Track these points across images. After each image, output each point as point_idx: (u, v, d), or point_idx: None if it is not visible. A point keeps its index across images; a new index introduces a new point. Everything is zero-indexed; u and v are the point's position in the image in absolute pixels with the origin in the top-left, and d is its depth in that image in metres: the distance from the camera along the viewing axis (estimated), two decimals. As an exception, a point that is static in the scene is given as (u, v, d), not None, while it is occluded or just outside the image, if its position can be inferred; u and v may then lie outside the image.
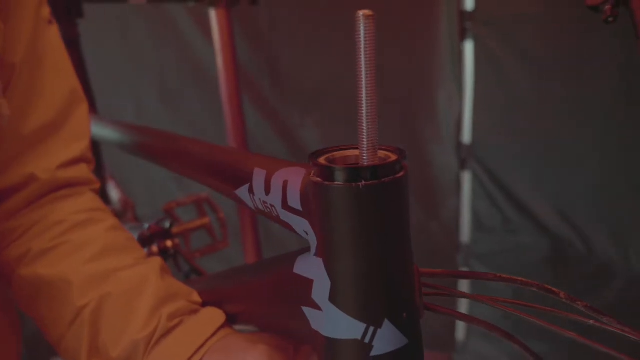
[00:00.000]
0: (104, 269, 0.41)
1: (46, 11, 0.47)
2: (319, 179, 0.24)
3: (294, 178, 0.28)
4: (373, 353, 0.25)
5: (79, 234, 0.44)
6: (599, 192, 1.47)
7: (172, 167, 0.44)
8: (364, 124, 0.24)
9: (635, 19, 0.37)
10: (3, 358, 0.48)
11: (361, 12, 0.23)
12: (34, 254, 0.43)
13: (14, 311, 0.51)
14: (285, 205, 0.28)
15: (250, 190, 0.31)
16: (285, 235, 1.54)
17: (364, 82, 0.23)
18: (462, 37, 1.68)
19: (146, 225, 0.57)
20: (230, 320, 0.38)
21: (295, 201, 0.27)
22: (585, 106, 1.45)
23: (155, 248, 0.56)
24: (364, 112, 0.24)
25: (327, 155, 0.26)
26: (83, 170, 0.48)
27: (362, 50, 0.23)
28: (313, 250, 0.26)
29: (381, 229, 0.24)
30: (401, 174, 0.24)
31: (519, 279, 0.28)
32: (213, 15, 0.89)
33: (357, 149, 0.26)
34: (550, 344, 1.07)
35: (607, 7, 0.39)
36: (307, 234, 0.27)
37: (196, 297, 0.40)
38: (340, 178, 0.23)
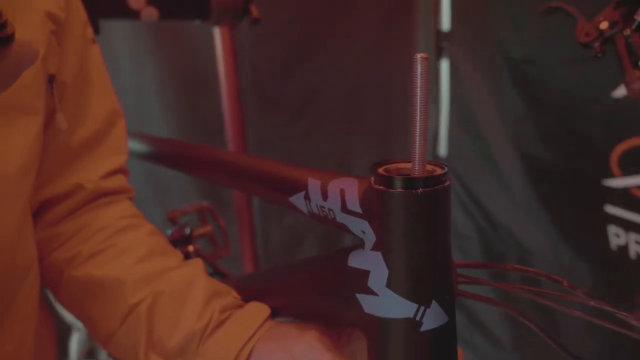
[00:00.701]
0: (153, 269, 0.45)
1: (90, 31, 0.51)
2: (381, 187, 0.30)
3: (350, 186, 0.33)
4: (422, 329, 0.31)
5: (124, 238, 0.48)
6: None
7: (215, 179, 0.49)
8: (417, 143, 0.30)
9: (620, 55, 0.45)
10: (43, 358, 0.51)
11: (419, 55, 0.29)
12: (84, 256, 0.46)
13: (51, 314, 0.54)
14: (344, 209, 0.33)
15: (306, 197, 0.36)
16: (279, 245, 1.58)
17: (419, 111, 0.29)
18: (438, 56, 1.78)
19: (169, 232, 0.61)
20: (273, 314, 0.43)
21: (354, 205, 0.32)
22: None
23: (179, 252, 0.60)
24: (418, 134, 0.30)
25: (383, 167, 0.32)
26: (122, 181, 0.53)
27: (419, 84, 0.29)
28: (369, 246, 0.32)
29: (431, 228, 0.30)
30: (447, 183, 0.30)
31: (532, 269, 0.35)
32: (217, 32, 0.94)
33: (406, 162, 0.32)
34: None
35: (597, 44, 0.47)
36: (363, 232, 0.32)
37: (236, 294, 0.45)
38: (400, 186, 0.29)
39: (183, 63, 1.38)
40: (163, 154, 0.58)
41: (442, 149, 1.80)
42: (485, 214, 1.67)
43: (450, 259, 0.32)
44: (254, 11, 0.94)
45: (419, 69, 0.29)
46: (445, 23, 1.74)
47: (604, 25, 0.46)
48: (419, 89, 0.29)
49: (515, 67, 1.47)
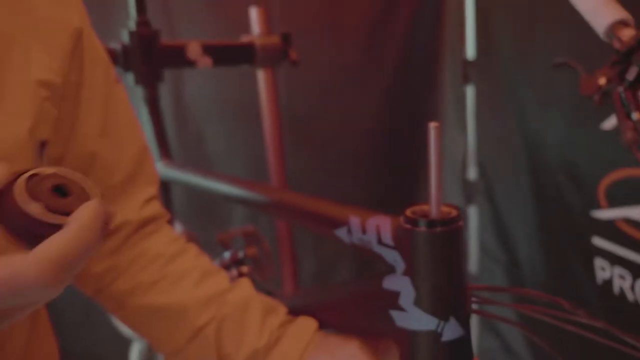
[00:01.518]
0: (210, 292, 0.52)
1: (113, 72, 0.54)
2: (408, 226, 0.38)
3: (384, 224, 0.42)
4: (443, 339, 0.38)
5: (178, 264, 0.55)
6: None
7: (268, 212, 0.58)
8: (433, 192, 0.38)
9: (615, 107, 0.53)
10: None
11: (432, 124, 0.38)
12: (145, 285, 0.53)
13: (54, 340, 0.58)
14: (379, 242, 0.42)
15: (349, 231, 0.45)
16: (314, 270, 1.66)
17: (433, 168, 0.38)
18: (465, 82, 1.86)
19: (227, 254, 0.71)
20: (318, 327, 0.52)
21: (387, 239, 0.41)
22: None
23: (235, 272, 0.70)
24: (433, 185, 0.38)
25: (410, 209, 0.40)
26: (158, 206, 0.59)
27: (433, 148, 0.37)
28: (399, 272, 0.40)
29: (448, 259, 0.38)
30: (461, 223, 0.38)
31: (547, 295, 0.42)
32: (261, 74, 1.05)
33: (426, 204, 0.40)
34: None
35: (597, 97, 0.54)
36: (395, 261, 0.41)
37: (285, 309, 0.54)
38: (423, 226, 0.37)
39: (227, 97, 1.51)
40: (219, 189, 0.68)
41: (472, 173, 1.87)
42: (510, 239, 1.71)
43: (465, 282, 0.40)
44: (293, 54, 1.04)
45: (432, 135, 0.37)
46: (471, 52, 1.83)
47: (602, 81, 0.53)
48: (433, 151, 0.37)
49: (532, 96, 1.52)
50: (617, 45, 0.51)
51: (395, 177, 1.86)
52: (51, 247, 0.25)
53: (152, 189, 0.57)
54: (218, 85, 1.49)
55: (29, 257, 0.25)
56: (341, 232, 0.46)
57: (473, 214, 1.77)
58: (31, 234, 0.26)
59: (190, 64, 0.87)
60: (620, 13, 0.52)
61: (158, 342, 0.54)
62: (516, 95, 1.60)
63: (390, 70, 1.84)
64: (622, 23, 0.52)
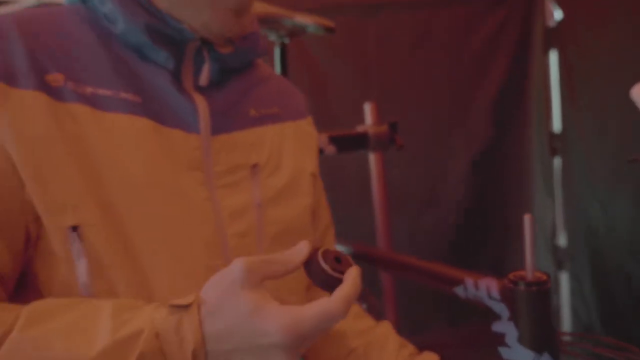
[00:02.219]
0: (363, 327, 0.71)
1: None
2: (511, 286, 0.56)
3: (493, 284, 0.59)
4: (539, 368, 0.55)
5: None
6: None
7: (396, 273, 0.77)
8: (528, 262, 0.55)
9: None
10: None
11: (526, 216, 0.55)
12: None
13: None
14: (489, 297, 0.59)
15: (465, 289, 0.63)
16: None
17: (528, 248, 0.55)
18: (552, 154, 1.96)
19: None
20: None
21: (496, 295, 0.59)
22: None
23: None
24: (528, 258, 0.55)
25: (512, 273, 0.57)
26: None
27: (527, 236, 0.55)
28: (505, 318, 0.57)
29: (542, 309, 0.55)
30: (549, 285, 0.55)
31: (615, 341, 0.57)
32: (372, 156, 1.27)
33: (522, 270, 0.57)
34: None
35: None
36: (502, 311, 0.58)
37: (413, 346, 0.71)
38: (523, 286, 0.55)
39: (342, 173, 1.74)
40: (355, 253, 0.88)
41: (562, 240, 1.93)
42: (600, 304, 1.72)
43: (554, 327, 0.56)
44: (399, 140, 1.26)
45: (526, 225, 0.55)
46: (557, 125, 1.94)
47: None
48: (527, 237, 0.55)
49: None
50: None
51: (485, 240, 1.97)
52: (344, 291, 0.43)
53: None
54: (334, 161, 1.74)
55: (333, 298, 0.42)
56: (459, 290, 0.64)
57: (564, 280, 1.82)
58: (326, 285, 0.44)
59: (320, 151, 1.11)
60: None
61: (318, 355, 0.70)
62: (600, 168, 1.68)
63: (479, 140, 1.99)
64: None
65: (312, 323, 0.41)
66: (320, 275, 0.44)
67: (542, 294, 0.54)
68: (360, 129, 1.25)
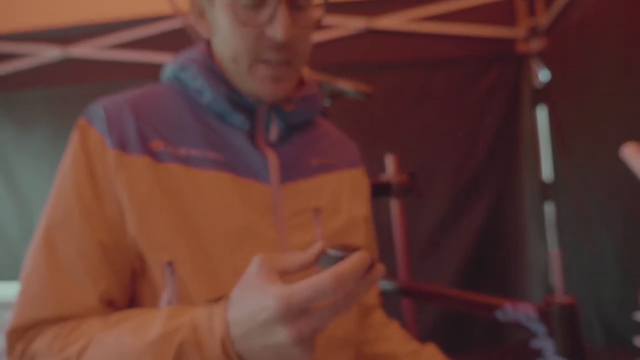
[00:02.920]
0: (410, 349, 0.83)
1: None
2: (547, 308, 0.69)
3: (529, 308, 0.73)
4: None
5: (389, 329, 0.85)
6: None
7: (446, 304, 0.90)
8: (559, 286, 0.69)
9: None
10: None
11: (554, 252, 0.70)
12: (373, 340, 0.83)
13: None
14: (528, 318, 0.73)
15: (504, 313, 0.76)
16: None
17: (557, 272, 0.69)
18: (543, 200, 2.12)
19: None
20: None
21: (533, 316, 0.72)
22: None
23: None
24: (559, 283, 0.69)
25: (546, 298, 0.71)
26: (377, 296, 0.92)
27: (556, 266, 0.70)
28: (542, 335, 0.71)
29: (574, 326, 0.68)
30: (578, 306, 0.69)
31: None
32: (393, 202, 1.42)
33: (553, 296, 0.71)
34: None
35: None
36: (539, 329, 0.71)
37: None
38: (559, 308, 0.69)
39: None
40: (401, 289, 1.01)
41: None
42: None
43: (583, 343, 0.69)
44: (418, 188, 1.41)
45: (554, 259, 0.70)
46: (547, 173, 2.11)
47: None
48: (556, 268, 0.70)
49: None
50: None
51: (490, 275, 2.12)
52: (337, 267, 0.43)
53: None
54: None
55: (325, 274, 0.42)
56: (499, 314, 0.77)
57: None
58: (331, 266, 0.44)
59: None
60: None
61: None
62: (590, 213, 1.84)
63: (477, 187, 2.15)
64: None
65: (303, 294, 0.43)
66: (325, 259, 0.46)
67: (575, 313, 0.68)
68: (383, 178, 1.40)
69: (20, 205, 2.04)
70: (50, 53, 2.01)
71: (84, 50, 2.00)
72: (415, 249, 2.03)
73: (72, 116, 0.72)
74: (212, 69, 0.66)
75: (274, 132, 0.67)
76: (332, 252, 0.46)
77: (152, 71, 1.96)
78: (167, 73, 0.71)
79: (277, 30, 0.59)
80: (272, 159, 0.66)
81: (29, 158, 2.03)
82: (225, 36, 0.63)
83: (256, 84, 0.64)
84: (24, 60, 2.02)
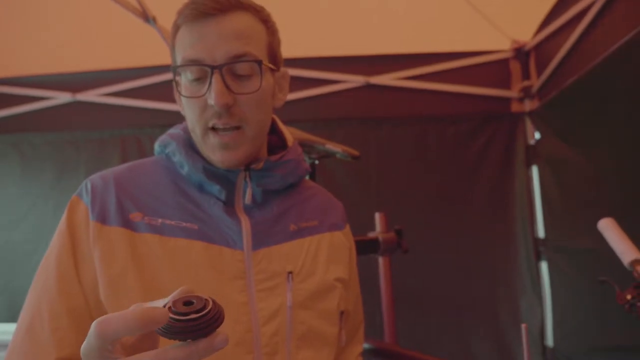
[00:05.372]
0: None
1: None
2: None
3: None
4: None
5: None
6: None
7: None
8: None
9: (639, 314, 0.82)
10: None
11: (523, 326, 0.70)
12: None
13: None
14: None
15: None
16: None
17: (525, 352, 0.70)
18: (537, 258, 2.11)
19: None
20: None
21: None
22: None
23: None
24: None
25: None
26: None
27: (525, 346, 0.70)
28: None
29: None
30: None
31: None
32: (380, 260, 1.42)
33: None
34: None
35: (627, 306, 0.84)
36: None
37: None
38: None
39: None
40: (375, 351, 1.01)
41: (549, 340, 2.02)
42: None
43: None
44: (404, 245, 1.41)
45: (523, 334, 0.70)
46: (540, 231, 2.11)
47: (629, 296, 0.84)
48: (525, 347, 0.70)
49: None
50: (636, 275, 0.83)
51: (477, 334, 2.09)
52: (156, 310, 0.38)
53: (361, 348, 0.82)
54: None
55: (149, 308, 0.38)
56: None
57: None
58: (170, 333, 0.38)
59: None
60: (636, 254, 0.85)
61: None
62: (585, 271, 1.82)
63: (469, 242, 2.14)
64: (638, 261, 0.84)
65: (112, 323, 0.39)
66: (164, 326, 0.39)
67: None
68: (371, 235, 1.41)
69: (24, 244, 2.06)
70: (61, 97, 2.08)
71: (91, 95, 2.07)
72: (404, 302, 2.02)
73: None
74: (190, 144, 0.71)
75: (248, 196, 0.70)
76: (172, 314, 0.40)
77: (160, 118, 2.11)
78: (156, 148, 0.76)
79: (211, 97, 0.63)
80: (246, 226, 0.68)
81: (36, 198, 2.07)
82: (185, 110, 0.69)
83: (208, 151, 0.68)
84: (34, 104, 2.09)
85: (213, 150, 0.67)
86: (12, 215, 2.07)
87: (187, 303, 0.41)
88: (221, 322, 0.41)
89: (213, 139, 0.66)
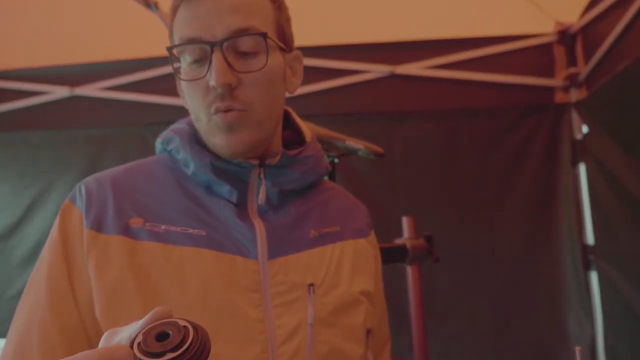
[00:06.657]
0: None
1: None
2: None
3: None
4: None
5: None
6: None
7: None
8: None
9: None
10: None
11: (577, 348, 0.50)
12: None
13: None
14: None
15: None
16: None
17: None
18: (587, 268, 1.90)
19: None
20: None
21: None
22: None
23: None
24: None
25: None
26: None
27: None
28: None
29: None
30: None
31: None
32: (409, 269, 1.23)
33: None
34: None
35: None
36: None
37: None
38: None
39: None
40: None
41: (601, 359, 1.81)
42: None
43: None
44: (435, 253, 1.22)
45: (577, 356, 0.49)
46: (590, 237, 1.90)
47: None
48: None
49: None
50: None
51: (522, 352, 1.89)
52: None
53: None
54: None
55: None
56: None
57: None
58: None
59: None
60: None
61: None
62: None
63: (507, 252, 1.95)
64: None
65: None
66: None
67: None
68: (398, 241, 1.23)
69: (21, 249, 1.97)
70: (59, 92, 1.98)
71: (90, 89, 1.98)
72: (438, 318, 1.85)
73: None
74: (195, 139, 0.66)
75: (262, 195, 0.64)
76: (137, 352, 0.35)
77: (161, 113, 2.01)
78: (157, 146, 0.72)
79: (212, 77, 0.59)
80: (260, 233, 0.63)
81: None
82: (187, 98, 0.64)
83: (214, 137, 0.62)
84: (29, 99, 2.01)
85: (219, 134, 0.62)
86: (6, 220, 1.99)
87: (161, 335, 0.36)
88: (207, 357, 0.36)
89: (217, 120, 0.61)
